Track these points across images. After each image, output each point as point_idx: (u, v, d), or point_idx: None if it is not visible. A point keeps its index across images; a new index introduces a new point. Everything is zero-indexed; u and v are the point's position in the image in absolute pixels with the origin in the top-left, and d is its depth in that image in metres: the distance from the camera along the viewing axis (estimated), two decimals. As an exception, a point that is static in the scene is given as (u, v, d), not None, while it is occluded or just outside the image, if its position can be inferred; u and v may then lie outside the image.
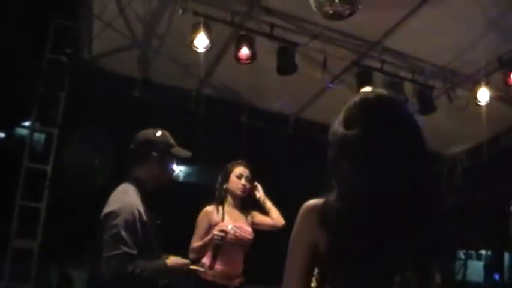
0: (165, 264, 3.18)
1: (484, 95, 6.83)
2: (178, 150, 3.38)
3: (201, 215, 4.43)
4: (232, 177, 4.48)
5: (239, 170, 4.50)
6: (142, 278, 2.97)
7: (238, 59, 6.10)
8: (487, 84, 6.84)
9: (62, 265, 7.47)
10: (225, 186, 4.48)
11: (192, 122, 7.47)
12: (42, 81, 6.51)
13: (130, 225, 2.98)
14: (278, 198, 4.68)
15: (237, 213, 4.47)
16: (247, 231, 4.44)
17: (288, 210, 4.64)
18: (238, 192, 4.45)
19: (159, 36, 6.49)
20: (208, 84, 7.55)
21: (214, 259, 4.26)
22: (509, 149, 8.23)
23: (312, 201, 1.75)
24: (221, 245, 4.23)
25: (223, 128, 8.10)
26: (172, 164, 3.38)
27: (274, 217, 4.58)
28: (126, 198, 3.12)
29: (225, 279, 4.31)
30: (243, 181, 4.45)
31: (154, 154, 3.25)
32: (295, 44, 6.24)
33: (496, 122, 7.88)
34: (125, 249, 2.93)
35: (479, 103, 6.88)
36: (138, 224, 3.03)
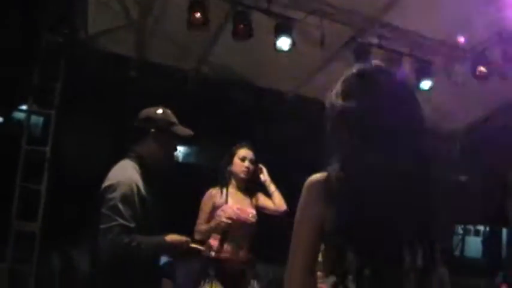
0: (164, 240, 3.17)
1: (481, 70, 6.82)
2: (179, 129, 3.36)
3: (206, 197, 4.43)
4: (236, 159, 4.47)
5: (243, 152, 4.48)
6: (139, 251, 2.98)
7: (235, 36, 6.07)
8: (486, 59, 6.83)
9: (64, 246, 7.50)
10: (228, 169, 4.47)
11: (189, 101, 7.45)
12: (39, 63, 6.46)
13: (128, 198, 3.00)
14: (277, 176, 4.68)
15: (240, 196, 4.47)
16: (250, 213, 4.44)
17: (288, 187, 4.66)
18: (242, 175, 4.44)
19: (155, 16, 6.43)
20: (205, 63, 7.51)
21: (221, 244, 4.28)
22: (508, 124, 8.22)
23: (315, 176, 1.75)
24: (228, 231, 4.24)
25: (221, 107, 8.08)
26: (174, 142, 3.36)
27: (276, 202, 4.57)
28: (124, 172, 3.13)
29: (229, 252, 4.33)
30: (246, 163, 4.44)
31: (153, 131, 3.25)
32: (293, 20, 6.20)
33: (494, 97, 7.87)
34: (122, 221, 2.94)
35: (478, 78, 6.87)
36: (136, 199, 3.04)
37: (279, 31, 6.19)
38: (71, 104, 7.01)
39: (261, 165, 4.61)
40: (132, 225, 2.98)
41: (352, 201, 1.62)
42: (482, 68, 6.83)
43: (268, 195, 4.61)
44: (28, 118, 6.66)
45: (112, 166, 3.21)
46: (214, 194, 4.42)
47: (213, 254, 4.30)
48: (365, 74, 1.76)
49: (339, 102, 1.72)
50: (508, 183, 7.90)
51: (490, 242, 14.96)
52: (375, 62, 1.85)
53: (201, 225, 4.37)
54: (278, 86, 8.10)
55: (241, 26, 6.00)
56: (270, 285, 7.83)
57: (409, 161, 1.63)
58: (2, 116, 11.88)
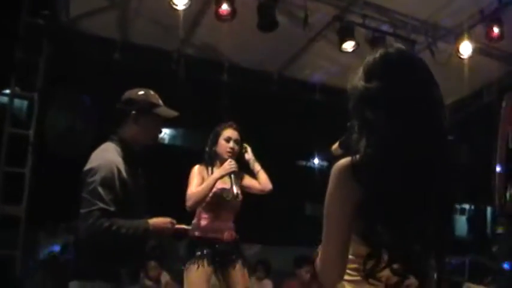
0: (146, 223, 3.17)
1: (466, 48, 6.84)
2: (162, 110, 3.34)
3: (194, 171, 4.37)
4: (221, 140, 4.45)
5: (227, 132, 4.47)
6: (119, 235, 2.97)
7: (218, 16, 6.04)
8: (469, 37, 6.84)
9: (50, 230, 7.49)
10: (214, 149, 4.46)
11: (174, 83, 7.41)
12: (20, 46, 6.39)
13: (108, 182, 2.99)
14: (262, 156, 4.68)
15: (226, 176, 4.46)
16: (237, 195, 4.45)
17: (272, 167, 4.68)
18: (226, 156, 4.41)
19: (138, -4, 6.39)
20: (189, 44, 7.46)
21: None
22: (492, 102, 8.26)
23: (341, 161, 1.78)
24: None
25: (206, 88, 8.05)
26: (156, 123, 3.34)
27: (262, 181, 4.58)
28: (105, 155, 3.12)
29: (215, 231, 4.33)
30: (231, 144, 4.42)
31: (134, 112, 3.23)
32: (276, 0, 6.17)
33: (478, 75, 7.90)
34: (101, 205, 2.93)
35: (461, 57, 6.90)
36: (117, 182, 3.03)
37: (262, 11, 6.15)
38: (54, 87, 6.95)
39: (245, 145, 4.61)
40: (113, 208, 2.96)
41: (379, 175, 1.66)
42: (466, 47, 6.85)
43: (253, 175, 4.61)
44: (11, 101, 6.60)
45: (96, 149, 3.20)
46: (201, 170, 4.40)
47: (198, 233, 4.31)
48: (387, 56, 1.81)
49: (362, 83, 1.77)
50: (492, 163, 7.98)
51: (475, 220, 15.12)
52: (397, 45, 1.90)
53: (197, 187, 4.27)
54: (263, 67, 8.07)
55: (224, 6, 5.96)
56: (258, 265, 7.89)
57: (431, 138, 1.71)
58: (-16, 99, 11.77)
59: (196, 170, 4.39)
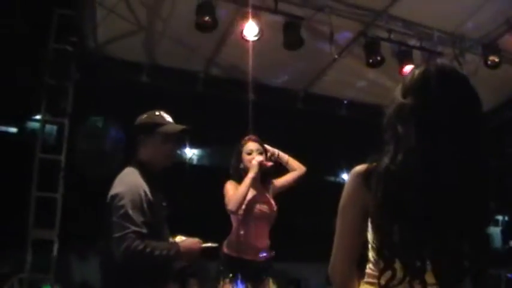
0: (177, 244, 3.22)
1: (493, 59, 6.77)
2: (166, 128, 3.36)
3: (228, 184, 4.36)
4: (244, 155, 4.44)
5: (248, 146, 4.46)
6: (153, 257, 3.00)
7: (244, 37, 6.07)
8: (496, 47, 6.78)
9: (82, 254, 7.55)
10: (241, 166, 4.45)
11: (201, 103, 7.46)
12: (49, 72, 6.50)
13: (137, 205, 3.03)
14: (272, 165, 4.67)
15: (259, 189, 4.43)
16: (271, 204, 4.44)
17: (301, 183, 4.66)
18: None
19: (163, 19, 6.45)
20: (215, 64, 7.51)
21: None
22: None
23: (359, 167, 1.82)
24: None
25: (232, 107, 8.08)
26: (165, 142, 3.35)
27: (296, 166, 4.67)
28: (130, 179, 3.17)
29: (249, 252, 4.31)
30: (254, 155, 4.42)
31: (141, 136, 3.33)
32: (301, 18, 6.19)
33: (507, 85, 7.81)
34: (134, 228, 2.97)
35: (489, 67, 6.83)
36: (145, 204, 3.07)
37: (288, 30, 6.18)
38: (84, 112, 7.05)
39: (265, 146, 4.60)
40: (144, 231, 3.01)
41: (396, 190, 1.65)
42: (493, 57, 6.79)
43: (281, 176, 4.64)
44: (42, 127, 6.70)
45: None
46: (235, 184, 4.39)
47: (233, 252, 4.29)
48: (425, 73, 1.79)
49: (399, 98, 1.77)
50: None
51: (509, 230, 14.86)
52: (440, 61, 1.89)
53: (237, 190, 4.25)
54: (289, 85, 8.09)
55: (250, 26, 6.00)
56: (289, 285, 7.84)
57: (463, 159, 1.66)
58: (16, 126, 11.96)
59: (230, 184, 4.38)
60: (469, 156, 1.67)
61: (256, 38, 6.01)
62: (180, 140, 3.42)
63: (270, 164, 4.38)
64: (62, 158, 6.51)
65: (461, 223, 1.65)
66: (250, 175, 4.22)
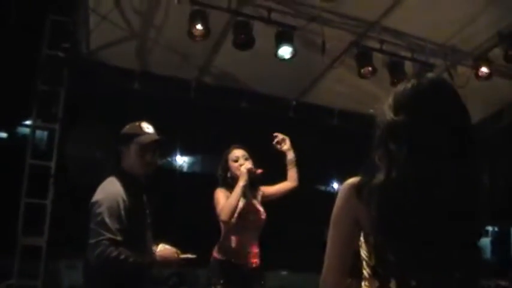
0: (153, 254, 3.30)
1: (484, 71, 6.82)
2: (142, 138, 3.40)
3: (218, 191, 4.34)
4: (230, 163, 4.44)
5: (234, 153, 4.46)
6: (126, 265, 3.06)
7: (236, 46, 6.08)
8: (488, 59, 6.82)
9: (70, 261, 7.50)
10: (228, 175, 4.44)
11: (193, 111, 7.46)
12: (41, 77, 6.48)
13: (114, 212, 3.10)
14: (282, 181, 4.67)
15: (248, 196, 4.39)
16: (260, 212, 4.44)
17: (292, 192, 4.66)
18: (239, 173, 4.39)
19: (156, 27, 6.46)
20: (207, 72, 7.52)
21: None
22: (512, 123, 8.21)
23: (351, 180, 1.80)
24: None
25: (224, 115, 8.09)
26: (140, 152, 3.39)
27: (293, 177, 4.72)
28: (109, 188, 3.26)
29: (240, 257, 4.30)
30: (241, 161, 4.41)
31: (121, 147, 3.41)
32: (293, 28, 6.21)
33: (498, 97, 7.87)
34: (109, 235, 3.04)
35: (480, 79, 6.87)
36: (123, 212, 3.14)
37: (280, 39, 6.19)
38: (75, 118, 7.03)
39: (282, 136, 4.73)
40: (119, 238, 3.07)
41: (392, 208, 1.64)
42: (484, 69, 6.83)
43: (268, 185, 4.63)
44: (33, 133, 6.67)
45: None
46: (225, 192, 4.37)
47: (224, 257, 4.28)
48: (417, 88, 1.76)
49: (390, 114, 1.74)
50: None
51: (499, 242, 14.92)
52: (431, 75, 1.86)
53: (227, 200, 4.23)
54: (281, 94, 8.10)
55: (242, 35, 6.01)
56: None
57: (455, 176, 1.64)
58: (6, 131, 11.93)
59: (220, 191, 4.36)
60: (462, 173, 1.66)
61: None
62: (156, 150, 3.45)
63: (259, 171, 4.37)
64: (52, 164, 6.48)
65: (456, 239, 1.65)
66: (241, 183, 4.21)
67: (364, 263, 1.81)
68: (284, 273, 8.55)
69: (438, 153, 1.65)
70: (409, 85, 1.78)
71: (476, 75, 6.86)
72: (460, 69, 7.08)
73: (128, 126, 3.47)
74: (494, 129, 8.53)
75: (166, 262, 3.35)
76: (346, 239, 1.80)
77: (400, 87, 1.80)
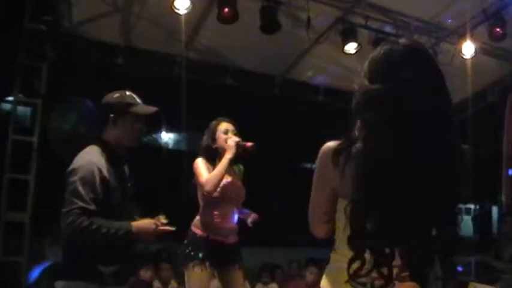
0: (129, 224, 3.18)
1: (469, 49, 6.83)
2: (139, 108, 3.35)
3: (199, 161, 4.28)
4: (219, 133, 4.39)
5: (223, 125, 4.43)
6: (98, 234, 2.99)
7: (220, 20, 6.04)
8: (472, 37, 6.84)
9: (55, 237, 7.48)
10: (214, 146, 4.40)
11: (177, 87, 7.40)
12: (22, 52, 6.39)
13: (88, 181, 3.03)
14: (267, 157, 4.65)
15: (231, 170, 4.39)
16: (240, 187, 4.44)
17: (277, 169, 4.67)
18: (226, 146, 4.34)
19: (139, 1, 6.38)
20: (192, 47, 7.47)
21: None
22: (496, 102, 8.25)
23: (329, 145, 1.83)
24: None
25: (209, 91, 8.05)
26: (135, 123, 3.34)
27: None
28: (86, 156, 3.17)
29: (219, 234, 4.30)
30: (229, 135, 4.38)
31: (111, 115, 3.28)
32: (278, 2, 6.17)
33: (482, 76, 7.90)
34: (81, 203, 2.97)
35: (464, 57, 6.89)
36: (98, 181, 3.06)
37: (265, 14, 6.16)
38: (58, 93, 6.95)
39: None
40: (92, 207, 3.00)
41: (370, 178, 1.66)
42: (469, 47, 6.85)
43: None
44: (14, 108, 6.60)
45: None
46: (205, 163, 4.34)
47: (203, 232, 4.28)
48: (391, 54, 1.76)
49: (365, 82, 1.74)
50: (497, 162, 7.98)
51: (481, 219, 15.09)
52: (403, 40, 1.84)
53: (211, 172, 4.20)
54: (266, 69, 8.08)
55: (226, 9, 5.97)
56: (263, 270, 7.86)
57: (433, 143, 1.66)
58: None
59: (202, 161, 4.33)
60: (440, 140, 1.67)
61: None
62: (149, 122, 3.40)
63: (249, 144, 4.33)
64: (35, 139, 6.43)
65: (432, 208, 1.66)
66: (228, 156, 4.18)
67: (336, 232, 1.83)
68: (268, 249, 8.58)
69: (414, 120, 1.64)
70: (382, 52, 1.77)
71: (461, 53, 6.88)
72: (445, 46, 7.10)
73: (118, 95, 3.35)
74: (479, 107, 8.58)
75: (143, 233, 3.24)
76: (326, 202, 1.87)
77: (374, 54, 1.79)
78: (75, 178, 3.02)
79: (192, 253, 4.25)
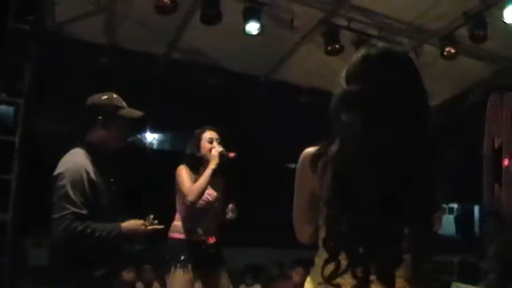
0: (119, 226, 3.19)
1: (449, 50, 6.90)
2: (127, 111, 3.36)
3: (182, 169, 4.32)
4: (203, 142, 4.42)
5: (208, 134, 4.45)
6: (93, 238, 2.99)
7: (203, 20, 6.04)
8: (454, 39, 6.90)
9: (36, 237, 7.43)
10: (198, 155, 4.42)
11: (162, 87, 7.40)
12: (6, 52, 6.35)
13: (77, 185, 3.01)
14: (251, 158, 4.66)
15: (213, 179, 4.42)
16: (218, 197, 4.45)
17: (262, 170, 4.69)
18: (209, 156, 4.38)
19: (124, 0, 6.36)
20: (176, 48, 7.46)
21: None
22: (478, 103, 8.33)
23: (308, 150, 1.85)
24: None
25: (193, 92, 8.04)
26: (124, 126, 3.36)
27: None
28: (73, 159, 3.14)
29: (199, 234, 4.31)
30: (214, 144, 4.40)
31: (100, 118, 3.26)
32: (262, 4, 6.19)
33: (463, 77, 7.98)
34: (74, 209, 2.95)
35: (446, 59, 6.95)
36: (87, 184, 3.04)
37: (248, 15, 6.17)
38: (41, 93, 6.91)
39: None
40: (84, 211, 2.99)
41: (345, 179, 1.67)
42: (450, 49, 6.92)
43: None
44: (-3, 108, 6.56)
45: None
46: (188, 171, 4.36)
47: (182, 235, 4.28)
48: (367, 57, 1.79)
49: (343, 84, 1.78)
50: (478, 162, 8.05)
51: (463, 219, 15.19)
52: (381, 44, 1.87)
53: (191, 183, 4.26)
54: (250, 70, 8.10)
55: (210, 10, 5.97)
56: (246, 272, 7.86)
57: (409, 144, 1.67)
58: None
59: (185, 169, 4.35)
60: (415, 141, 1.68)
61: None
62: (135, 124, 3.40)
63: (232, 154, 4.35)
64: (17, 139, 6.38)
65: (405, 209, 1.67)
66: (212, 166, 4.22)
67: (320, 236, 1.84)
68: (252, 250, 8.59)
69: (388, 121, 1.66)
70: (359, 55, 1.81)
71: (442, 55, 6.95)
72: (427, 48, 7.16)
73: (106, 97, 3.34)
74: (460, 109, 8.66)
75: (133, 233, 3.27)
76: (308, 206, 1.89)
77: (353, 58, 1.83)
78: (63, 182, 2.99)
79: (173, 258, 4.26)
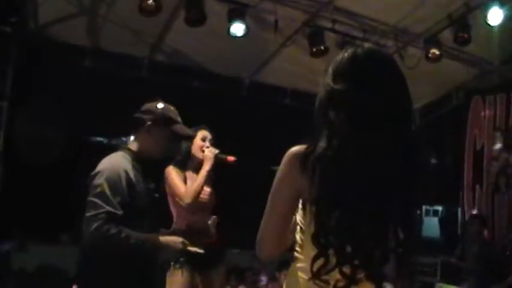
0: (157, 237, 3.03)
1: (434, 52, 6.94)
2: (178, 127, 3.23)
3: (172, 171, 4.27)
4: (196, 140, 4.40)
5: (202, 133, 4.43)
6: (127, 244, 2.79)
7: (188, 22, 6.03)
8: (438, 42, 6.95)
9: (20, 239, 7.38)
10: (189, 151, 4.39)
11: (145, 89, 7.35)
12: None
13: (115, 184, 2.83)
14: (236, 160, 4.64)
15: (207, 180, 4.38)
16: (213, 196, 4.43)
17: (246, 172, 4.66)
18: (201, 155, 4.34)
19: (106, 2, 6.33)
20: (160, 50, 7.44)
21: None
22: (461, 106, 8.39)
23: (295, 148, 1.81)
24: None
25: (177, 94, 8.01)
26: (169, 139, 3.23)
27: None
28: (112, 160, 2.99)
29: (199, 235, 4.29)
30: (207, 143, 4.38)
31: (149, 123, 3.12)
32: (246, 6, 6.19)
33: (447, 80, 8.03)
34: (108, 208, 2.75)
35: (430, 61, 6.99)
36: (125, 185, 2.87)
37: (233, 17, 6.17)
38: (24, 95, 6.86)
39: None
40: (120, 212, 2.78)
41: (334, 177, 1.65)
42: (434, 51, 6.96)
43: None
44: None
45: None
46: (178, 171, 4.33)
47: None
48: (354, 56, 1.79)
49: (329, 83, 1.76)
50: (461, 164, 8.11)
51: (447, 221, 15.28)
52: (367, 45, 1.87)
53: (193, 184, 4.16)
54: (234, 72, 8.09)
55: (194, 11, 5.96)
56: (231, 273, 7.85)
57: (394, 143, 1.68)
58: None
59: (174, 170, 4.31)
60: (400, 141, 1.69)
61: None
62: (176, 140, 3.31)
63: (231, 159, 4.31)
64: (0, 142, 6.33)
65: (391, 208, 1.68)
66: (207, 168, 4.18)
67: (298, 227, 1.83)
68: (237, 251, 8.58)
69: (377, 121, 1.68)
70: (346, 54, 1.81)
71: (427, 57, 6.99)
72: (411, 50, 7.20)
73: (163, 106, 3.22)
74: (443, 111, 8.72)
75: (168, 248, 3.12)
76: (284, 213, 1.83)
77: (339, 56, 1.82)
78: (100, 180, 2.80)
79: (171, 259, 4.23)
